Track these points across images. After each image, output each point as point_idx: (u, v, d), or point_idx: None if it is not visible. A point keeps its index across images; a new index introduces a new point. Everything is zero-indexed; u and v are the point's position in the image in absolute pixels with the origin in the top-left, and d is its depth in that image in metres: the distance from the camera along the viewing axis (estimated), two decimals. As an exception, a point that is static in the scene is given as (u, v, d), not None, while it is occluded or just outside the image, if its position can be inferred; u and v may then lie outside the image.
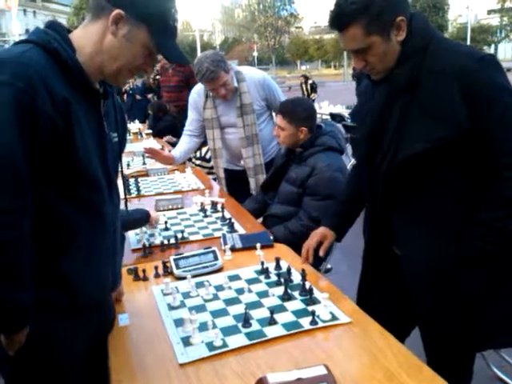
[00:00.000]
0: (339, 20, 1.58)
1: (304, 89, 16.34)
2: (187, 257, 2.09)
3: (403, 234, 1.74)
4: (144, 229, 2.51)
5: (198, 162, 4.69)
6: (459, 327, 1.69)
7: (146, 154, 3.55)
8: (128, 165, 4.20)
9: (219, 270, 2.07)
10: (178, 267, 2.04)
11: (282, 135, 2.77)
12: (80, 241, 1.34)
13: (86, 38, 1.32)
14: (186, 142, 3.57)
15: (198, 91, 3.46)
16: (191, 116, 3.54)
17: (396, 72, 1.61)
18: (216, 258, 2.10)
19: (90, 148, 1.31)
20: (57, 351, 1.36)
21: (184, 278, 1.95)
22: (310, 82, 16.49)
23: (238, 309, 1.72)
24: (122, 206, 1.66)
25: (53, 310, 1.33)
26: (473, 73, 1.51)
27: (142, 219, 2.44)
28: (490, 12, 56.12)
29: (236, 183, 3.56)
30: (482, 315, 1.66)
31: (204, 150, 4.82)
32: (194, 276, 1.98)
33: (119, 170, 1.56)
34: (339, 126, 4.01)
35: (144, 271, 2.03)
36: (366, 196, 1.88)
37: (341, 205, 2.11)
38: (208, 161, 4.83)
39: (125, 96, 10.43)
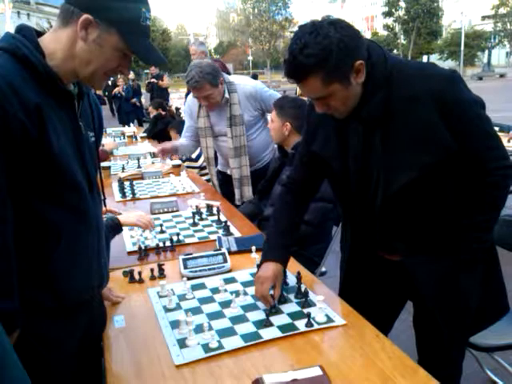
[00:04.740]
0: (296, 73, 1.53)
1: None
2: (196, 257, 2.10)
3: (408, 255, 1.76)
4: (140, 231, 2.52)
5: (186, 163, 4.75)
6: (455, 321, 1.74)
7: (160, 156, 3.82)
8: (123, 168, 4.20)
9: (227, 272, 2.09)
10: (185, 267, 2.05)
11: (271, 127, 2.87)
12: (65, 241, 1.34)
13: (57, 43, 1.30)
14: (184, 141, 3.72)
15: (192, 99, 3.49)
16: (187, 122, 3.64)
17: (364, 110, 1.59)
18: (225, 261, 2.11)
19: (66, 151, 1.30)
20: (47, 351, 1.36)
21: (193, 278, 1.99)
22: None
23: (234, 311, 1.73)
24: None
25: (42, 311, 1.34)
26: (444, 93, 1.52)
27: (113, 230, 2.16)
28: (483, 18, 56.38)
29: (231, 186, 3.57)
30: (476, 307, 1.74)
31: None
32: (190, 278, 1.99)
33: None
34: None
35: (140, 273, 2.04)
36: (350, 228, 1.90)
37: (283, 236, 1.92)
38: (196, 160, 4.91)
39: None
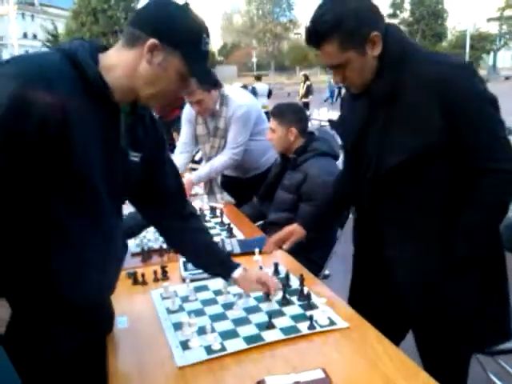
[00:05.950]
0: (314, 38, 1.62)
1: (301, 87, 16.34)
2: None
3: (391, 242, 1.76)
4: (143, 233, 2.52)
5: (190, 165, 4.75)
6: (453, 332, 1.72)
7: None
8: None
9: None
10: (186, 269, 2.06)
11: (274, 138, 2.84)
12: (74, 247, 1.34)
13: (119, 61, 1.32)
14: (181, 159, 3.53)
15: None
16: (185, 129, 3.53)
17: (374, 85, 1.64)
18: None
19: (92, 156, 1.29)
20: (48, 354, 1.36)
21: (195, 280, 2.00)
22: (307, 83, 16.41)
23: (237, 313, 1.74)
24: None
25: (44, 314, 1.34)
26: (450, 83, 1.52)
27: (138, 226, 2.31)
28: (489, 20, 56.16)
29: (233, 188, 3.57)
30: (476, 319, 1.70)
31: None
32: (193, 280, 1.99)
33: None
34: (333, 132, 4.03)
35: (143, 275, 2.05)
36: (354, 205, 1.92)
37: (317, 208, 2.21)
38: (199, 162, 4.92)
39: None
